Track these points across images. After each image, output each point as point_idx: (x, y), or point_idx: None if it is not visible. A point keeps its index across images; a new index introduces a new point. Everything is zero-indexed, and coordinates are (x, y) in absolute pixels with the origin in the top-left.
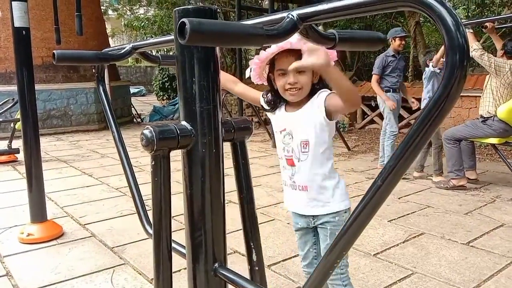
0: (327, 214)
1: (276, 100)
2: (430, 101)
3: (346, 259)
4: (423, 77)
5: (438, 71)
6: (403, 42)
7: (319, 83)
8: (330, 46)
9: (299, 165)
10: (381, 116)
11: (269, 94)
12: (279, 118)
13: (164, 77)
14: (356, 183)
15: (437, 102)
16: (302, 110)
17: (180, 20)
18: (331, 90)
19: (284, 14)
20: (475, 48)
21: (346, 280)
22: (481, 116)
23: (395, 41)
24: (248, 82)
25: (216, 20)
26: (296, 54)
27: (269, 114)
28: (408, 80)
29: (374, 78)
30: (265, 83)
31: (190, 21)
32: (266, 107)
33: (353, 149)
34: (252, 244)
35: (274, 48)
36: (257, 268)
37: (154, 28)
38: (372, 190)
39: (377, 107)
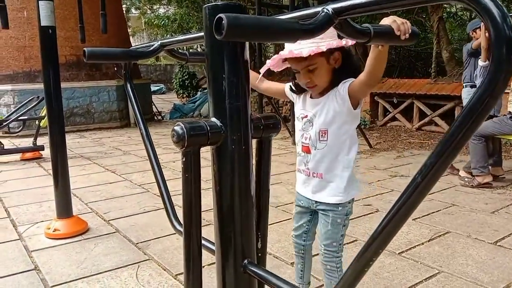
0: (334, 203)
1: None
2: (473, 96)
3: (342, 245)
4: (475, 74)
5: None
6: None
7: (342, 70)
8: (365, 41)
9: (315, 153)
10: (403, 113)
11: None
12: (304, 103)
13: (184, 75)
14: (378, 180)
15: (481, 98)
16: (325, 98)
17: (218, 16)
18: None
19: (319, 9)
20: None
21: (339, 263)
22: (509, 113)
23: (476, 33)
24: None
25: (251, 15)
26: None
27: (295, 99)
28: (432, 77)
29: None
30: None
31: (227, 16)
32: (293, 94)
33: (375, 146)
34: (259, 233)
35: (276, 57)
36: (260, 254)
37: (174, 26)
38: (412, 187)
39: (399, 104)
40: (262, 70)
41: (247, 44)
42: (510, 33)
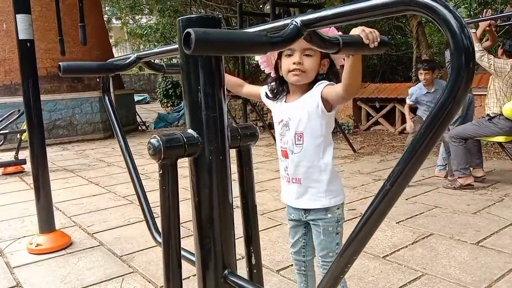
0: (318, 208)
1: (279, 89)
2: (436, 104)
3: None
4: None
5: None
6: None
7: (324, 75)
8: (334, 51)
9: (292, 157)
10: (385, 117)
11: (274, 83)
12: (279, 108)
13: (167, 84)
14: (362, 185)
15: (443, 105)
16: (300, 100)
17: (185, 31)
18: (332, 82)
19: (288, 21)
20: (475, 50)
21: None
22: (487, 115)
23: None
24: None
25: (221, 29)
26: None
27: (270, 105)
28: (412, 81)
29: None
30: (272, 72)
31: (195, 31)
32: (267, 97)
33: (359, 151)
34: (252, 248)
35: None
36: (255, 270)
37: (157, 35)
38: (381, 194)
39: (381, 108)
40: (257, 58)
41: (222, 56)
42: (467, 43)
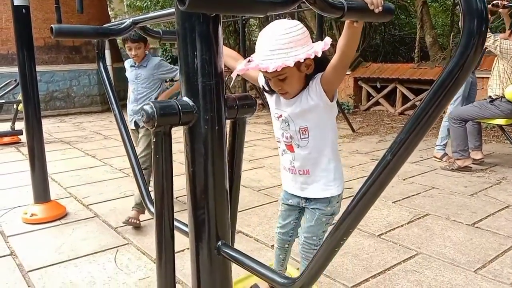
0: (324, 198)
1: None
2: (443, 71)
3: (322, 239)
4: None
5: None
6: None
7: (315, 72)
8: (338, 16)
9: (299, 151)
10: (386, 98)
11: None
12: (277, 103)
13: (167, 58)
14: (360, 164)
15: (452, 71)
16: (298, 98)
17: None
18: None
19: None
20: None
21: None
22: (489, 97)
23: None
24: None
25: None
26: None
27: (267, 96)
28: (415, 61)
29: None
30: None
31: None
32: (266, 87)
33: (358, 130)
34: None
35: (243, 67)
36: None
37: (157, 8)
38: (382, 165)
39: (382, 88)
40: (233, 75)
41: (220, 19)
42: (482, 6)
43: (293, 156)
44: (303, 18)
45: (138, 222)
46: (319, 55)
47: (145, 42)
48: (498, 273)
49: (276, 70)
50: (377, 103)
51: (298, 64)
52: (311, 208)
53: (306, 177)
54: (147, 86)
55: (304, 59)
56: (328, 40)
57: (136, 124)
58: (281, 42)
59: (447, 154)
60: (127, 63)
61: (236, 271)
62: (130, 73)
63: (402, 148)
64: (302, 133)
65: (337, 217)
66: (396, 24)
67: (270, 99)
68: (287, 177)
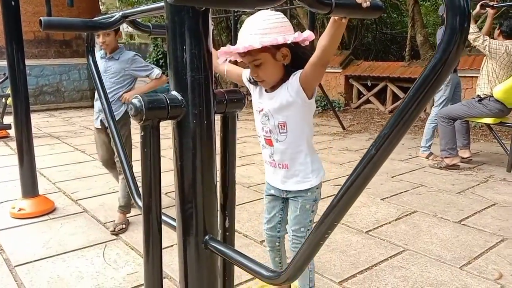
0: (304, 189)
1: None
2: (426, 66)
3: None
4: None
5: None
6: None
7: (293, 65)
8: (326, 12)
9: (277, 145)
10: (376, 96)
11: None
12: (259, 95)
13: (158, 54)
14: (349, 162)
15: (434, 67)
16: (278, 92)
17: None
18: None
19: None
20: (470, 31)
21: None
22: (478, 96)
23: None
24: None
25: None
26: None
27: (251, 89)
28: (405, 60)
29: None
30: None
31: None
32: (250, 81)
33: (348, 128)
34: (227, 212)
35: (227, 49)
36: (228, 233)
37: (149, 2)
38: (366, 159)
39: (373, 87)
40: (220, 61)
41: (209, 14)
42: (464, 4)
43: (272, 150)
44: (296, 15)
45: (124, 226)
46: (288, 42)
47: (116, 29)
48: (483, 270)
49: (253, 50)
50: (367, 101)
51: (273, 52)
52: (293, 197)
53: (286, 171)
54: (116, 81)
55: (279, 48)
56: (306, 33)
57: (102, 123)
58: (258, 27)
59: (432, 153)
60: (97, 54)
61: (237, 272)
62: (100, 65)
63: (386, 142)
64: (281, 127)
65: (321, 211)
66: (387, 23)
67: (254, 92)
68: (269, 170)
